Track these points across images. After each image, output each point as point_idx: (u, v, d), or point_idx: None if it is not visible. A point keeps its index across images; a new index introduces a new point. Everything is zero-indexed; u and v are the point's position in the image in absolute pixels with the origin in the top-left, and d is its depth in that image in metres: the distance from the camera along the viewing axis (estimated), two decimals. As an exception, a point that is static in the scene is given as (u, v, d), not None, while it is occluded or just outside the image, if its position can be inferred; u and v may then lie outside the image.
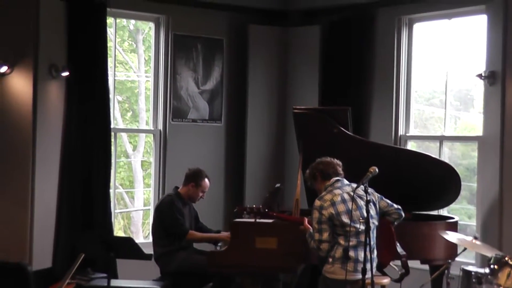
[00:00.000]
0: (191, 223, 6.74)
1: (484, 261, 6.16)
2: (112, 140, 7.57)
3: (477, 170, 7.26)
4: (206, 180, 6.70)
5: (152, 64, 8.18)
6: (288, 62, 8.65)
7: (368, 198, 4.99)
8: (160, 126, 8.07)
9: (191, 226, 6.68)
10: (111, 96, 7.58)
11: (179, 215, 6.50)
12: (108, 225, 7.42)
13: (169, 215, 6.50)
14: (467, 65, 7.55)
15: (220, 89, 8.40)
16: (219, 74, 8.39)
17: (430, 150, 7.78)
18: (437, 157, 7.21)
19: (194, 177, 6.68)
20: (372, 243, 5.18)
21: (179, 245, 6.51)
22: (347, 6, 8.04)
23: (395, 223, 5.60)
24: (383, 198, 5.52)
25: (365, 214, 4.98)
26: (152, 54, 8.22)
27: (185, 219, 6.59)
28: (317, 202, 5.33)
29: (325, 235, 5.25)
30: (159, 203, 6.72)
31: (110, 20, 7.80)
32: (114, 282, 6.16)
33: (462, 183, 6.48)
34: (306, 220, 5.56)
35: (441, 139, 7.61)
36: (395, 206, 5.55)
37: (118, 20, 8.19)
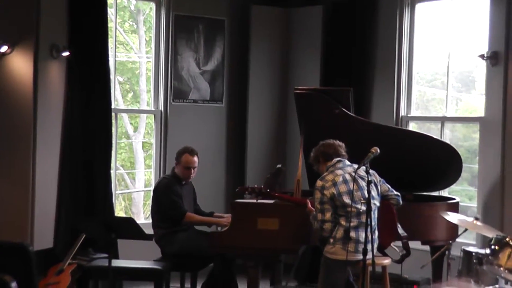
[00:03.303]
0: (190, 204, 6.72)
1: (485, 242, 6.17)
2: (113, 121, 7.55)
3: (479, 151, 7.25)
4: (187, 155, 6.53)
5: (153, 45, 8.15)
6: (290, 42, 8.62)
7: (369, 179, 4.99)
8: (161, 107, 8.06)
9: (190, 208, 6.66)
10: (111, 77, 7.55)
11: (175, 197, 6.46)
12: (109, 206, 7.43)
13: (166, 197, 6.46)
14: (469, 46, 7.51)
15: (221, 70, 8.38)
16: (221, 55, 8.36)
17: (432, 131, 7.77)
18: (438, 138, 7.19)
19: (176, 156, 6.64)
20: (373, 224, 5.18)
21: (179, 227, 6.50)
22: (349, -13, 8.01)
23: (393, 208, 5.63)
24: (385, 182, 5.53)
25: (367, 195, 4.98)
26: (153, 34, 8.18)
27: (184, 200, 6.55)
28: (319, 183, 5.33)
29: (328, 215, 5.26)
30: (156, 186, 6.70)
31: (111, 1, 7.75)
32: (115, 263, 6.16)
33: (463, 164, 6.47)
34: (309, 203, 5.56)
35: (443, 120, 7.60)
36: (395, 192, 5.57)
37: (119, 1, 8.15)
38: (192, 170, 6.58)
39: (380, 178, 5.49)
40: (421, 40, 7.84)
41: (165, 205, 6.47)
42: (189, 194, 6.75)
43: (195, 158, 6.58)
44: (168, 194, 6.45)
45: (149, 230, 6.20)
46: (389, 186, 5.55)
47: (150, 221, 6.64)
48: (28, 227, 7.01)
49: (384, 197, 5.51)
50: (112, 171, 7.55)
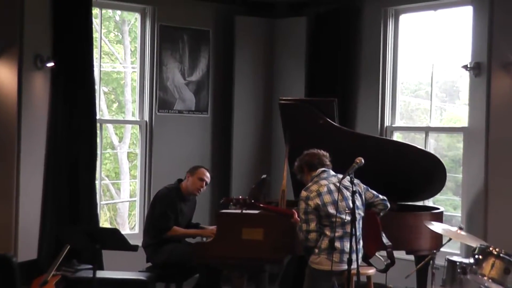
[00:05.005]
0: (185, 221, 6.70)
1: (469, 251, 6.20)
2: (98, 131, 7.54)
3: (463, 161, 7.30)
4: (203, 169, 6.67)
5: (138, 55, 8.15)
6: (274, 53, 8.64)
7: (354, 189, 5.01)
8: (146, 117, 8.05)
9: (182, 224, 6.64)
10: (96, 87, 7.54)
11: (169, 210, 6.46)
12: (94, 217, 7.40)
13: (159, 207, 6.49)
14: (453, 56, 7.57)
15: (206, 80, 8.39)
16: (206, 65, 8.37)
17: (416, 141, 7.80)
18: (423, 148, 7.23)
19: (190, 169, 6.68)
20: (358, 233, 5.20)
21: (165, 238, 6.49)
22: (333, -2, 8.05)
23: (381, 214, 5.62)
24: (369, 189, 5.54)
25: (351, 205, 4.99)
26: (138, 45, 8.18)
27: (179, 214, 6.53)
28: (303, 193, 5.34)
29: (312, 225, 5.27)
30: (156, 194, 6.73)
31: (95, 11, 7.76)
32: (99, 274, 6.14)
33: (447, 174, 6.50)
34: (296, 214, 5.56)
35: (427, 130, 7.63)
36: (381, 197, 5.57)
37: (104, 11, 8.14)
38: (204, 184, 6.65)
39: (364, 186, 5.50)
40: (405, 50, 7.89)
41: (156, 215, 6.49)
42: (189, 211, 6.75)
43: (209, 175, 6.70)
44: (162, 205, 6.48)
45: (134, 241, 6.17)
46: (374, 192, 5.55)
47: (135, 231, 6.64)
48: (12, 238, 6.96)
49: (370, 204, 5.52)
50: (97, 182, 7.54)
